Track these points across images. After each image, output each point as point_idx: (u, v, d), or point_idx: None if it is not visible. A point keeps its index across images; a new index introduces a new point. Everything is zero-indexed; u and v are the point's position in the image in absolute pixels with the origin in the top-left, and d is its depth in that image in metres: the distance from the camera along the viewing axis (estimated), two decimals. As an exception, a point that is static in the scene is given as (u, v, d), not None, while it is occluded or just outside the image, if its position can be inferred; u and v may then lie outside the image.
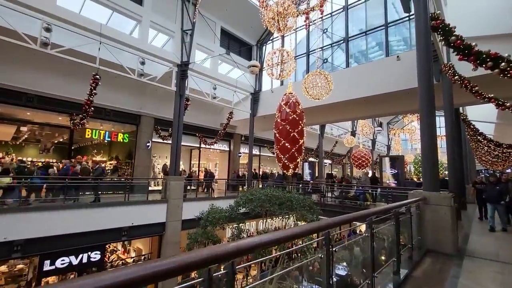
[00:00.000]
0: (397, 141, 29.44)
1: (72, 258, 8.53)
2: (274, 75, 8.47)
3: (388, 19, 12.25)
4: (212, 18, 13.82)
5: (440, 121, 29.39)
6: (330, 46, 14.05)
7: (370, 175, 15.87)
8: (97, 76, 9.66)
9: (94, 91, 9.81)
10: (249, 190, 7.78)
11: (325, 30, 13.92)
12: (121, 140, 13.96)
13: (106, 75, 10.61)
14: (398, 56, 10.38)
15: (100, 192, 10.25)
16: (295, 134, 6.97)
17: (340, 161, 29.13)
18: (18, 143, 16.38)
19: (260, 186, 15.04)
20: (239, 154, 18.87)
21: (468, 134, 14.33)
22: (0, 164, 9.43)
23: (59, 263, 8.26)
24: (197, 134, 16.42)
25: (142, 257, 11.70)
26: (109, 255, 13.36)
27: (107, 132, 13.39)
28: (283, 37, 15.37)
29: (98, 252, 9.14)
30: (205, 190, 13.53)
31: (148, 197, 10.89)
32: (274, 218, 7.03)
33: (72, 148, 18.67)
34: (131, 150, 14.45)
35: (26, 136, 15.31)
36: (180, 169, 16.30)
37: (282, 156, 7.10)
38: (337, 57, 16.00)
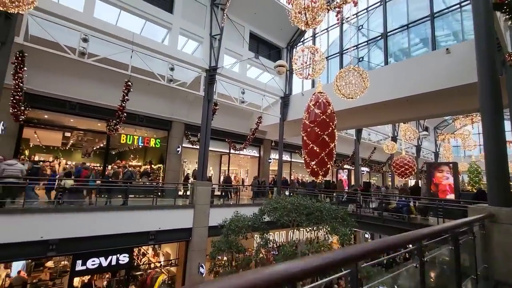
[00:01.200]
0: (446, 147, 26.33)
1: (102, 259, 8.73)
2: (303, 75, 7.89)
3: (434, 9, 10.90)
4: (240, 22, 13.73)
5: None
6: (366, 43, 12.97)
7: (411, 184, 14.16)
8: (129, 83, 10.02)
9: (127, 97, 10.18)
10: (274, 198, 7.23)
11: (360, 27, 12.93)
12: (153, 145, 14.40)
13: (140, 82, 10.99)
14: (447, 49, 9.08)
15: (130, 196, 10.54)
16: (325, 136, 6.27)
17: (380, 169, 26.93)
18: (66, 148, 17.95)
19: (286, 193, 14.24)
20: (269, 160, 18.35)
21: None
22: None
23: (90, 264, 8.49)
24: (226, 140, 16.33)
25: (170, 262, 11.65)
26: (141, 257, 13.71)
27: (140, 138, 13.90)
28: (314, 37, 14.70)
29: (126, 255, 9.26)
30: (225, 196, 13.16)
31: (177, 202, 10.92)
32: (301, 229, 6.34)
33: (113, 153, 19.93)
34: (163, 155, 14.83)
35: (71, 141, 16.67)
36: (210, 175, 16.34)
37: (311, 161, 6.44)
38: (375, 57, 14.74)
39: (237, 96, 13.23)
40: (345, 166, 22.98)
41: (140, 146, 15.87)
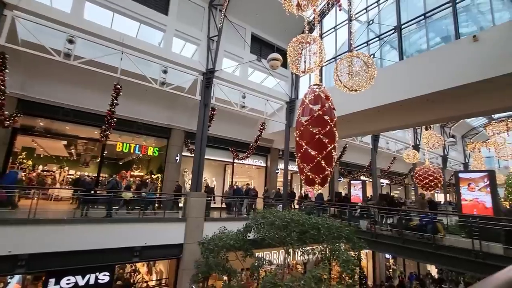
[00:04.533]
0: (478, 157, 23.70)
1: (79, 278, 7.85)
2: (298, 69, 6.87)
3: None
4: (241, 24, 13.07)
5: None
6: (377, 38, 11.73)
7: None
8: (118, 86, 9.48)
9: (116, 101, 9.62)
10: (260, 212, 6.08)
11: (371, 22, 11.78)
12: (151, 154, 13.75)
13: (137, 88, 10.50)
14: (474, 36, 7.71)
15: (136, 208, 9.83)
16: (322, 136, 5.12)
17: (401, 181, 24.70)
18: (74, 158, 17.81)
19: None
20: (276, 171, 17.13)
21: None
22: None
23: (64, 283, 7.63)
24: (229, 148, 15.41)
25: (159, 282, 10.61)
26: (137, 274, 12.81)
27: (137, 146, 13.30)
28: (321, 37, 13.71)
29: (107, 273, 8.32)
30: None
31: (167, 214, 10.00)
32: (291, 251, 5.09)
33: (121, 163, 19.56)
34: (162, 164, 14.15)
35: (75, 151, 16.47)
36: (213, 185, 15.38)
37: (305, 167, 5.27)
38: (390, 58, 13.41)
39: (237, 101, 12.35)
40: (362, 178, 21.19)
41: (140, 155, 15.38)
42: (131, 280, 12.35)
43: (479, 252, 6.45)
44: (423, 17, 10.18)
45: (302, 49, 6.84)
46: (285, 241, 4.86)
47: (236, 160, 15.50)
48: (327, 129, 5.20)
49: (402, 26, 10.70)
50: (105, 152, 15.43)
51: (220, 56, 11.85)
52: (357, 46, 11.29)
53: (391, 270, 18.63)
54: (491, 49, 7.43)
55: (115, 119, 9.82)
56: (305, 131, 5.32)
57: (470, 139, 28.41)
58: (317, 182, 5.12)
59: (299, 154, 5.47)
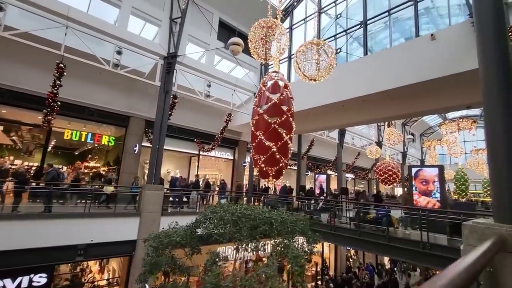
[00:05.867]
0: (432, 154, 25.52)
1: (7, 281, 6.91)
2: (260, 56, 6.50)
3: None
4: (208, 8, 12.36)
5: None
6: (344, 32, 11.77)
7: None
8: (61, 65, 8.41)
9: (58, 82, 8.55)
10: (211, 206, 5.73)
11: (339, 16, 11.77)
12: (106, 143, 12.66)
13: (90, 71, 9.45)
14: (432, 35, 7.92)
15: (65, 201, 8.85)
16: (277, 126, 4.83)
17: (365, 176, 25.80)
18: (18, 147, 15.86)
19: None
20: (244, 164, 16.83)
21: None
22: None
23: (-12, 288, 6.67)
24: (195, 140, 14.75)
25: (109, 281, 9.85)
26: (88, 272, 11.86)
27: (89, 134, 12.13)
28: (291, 29, 13.46)
29: (44, 275, 7.44)
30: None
31: (118, 209, 9.23)
32: (240, 247, 4.79)
33: (76, 153, 17.89)
34: (120, 155, 13.13)
35: (16, 138, 14.68)
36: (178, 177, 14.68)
37: (259, 158, 4.96)
38: (353, 52, 13.62)
39: (202, 90, 11.73)
40: (329, 172, 21.72)
41: (95, 145, 14.17)
42: (82, 280, 11.41)
43: (427, 243, 6.71)
44: (387, 13, 10.30)
45: (265, 35, 6.47)
46: (235, 237, 4.56)
47: (201, 152, 14.91)
48: (283, 118, 4.92)
49: (368, 22, 10.79)
50: (54, 141, 13.96)
51: (183, 41, 11.10)
52: (325, 40, 11.17)
53: (351, 260, 19.44)
54: (447, 48, 7.67)
55: (58, 103, 8.75)
56: (261, 120, 4.99)
57: (427, 137, 30.46)
58: (271, 174, 4.85)
59: (253, 145, 5.15)
